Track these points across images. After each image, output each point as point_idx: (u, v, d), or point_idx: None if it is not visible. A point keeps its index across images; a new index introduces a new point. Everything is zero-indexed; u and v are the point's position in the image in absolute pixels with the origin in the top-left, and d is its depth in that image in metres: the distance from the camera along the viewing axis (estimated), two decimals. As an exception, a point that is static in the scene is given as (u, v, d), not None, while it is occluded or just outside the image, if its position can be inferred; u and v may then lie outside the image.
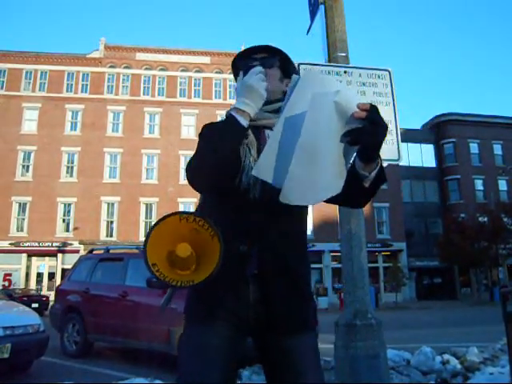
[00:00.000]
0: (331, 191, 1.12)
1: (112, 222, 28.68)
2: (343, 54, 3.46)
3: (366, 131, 1.07)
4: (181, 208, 28.96)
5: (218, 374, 1.25)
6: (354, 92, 1.11)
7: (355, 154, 1.17)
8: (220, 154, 1.23)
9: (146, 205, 29.08)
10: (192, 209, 29.67)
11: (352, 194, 1.25)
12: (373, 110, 1.07)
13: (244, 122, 1.25)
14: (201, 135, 1.33)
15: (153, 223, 1.18)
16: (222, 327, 1.29)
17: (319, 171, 1.11)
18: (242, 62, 1.46)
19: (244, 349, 1.37)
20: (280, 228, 1.32)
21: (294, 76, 1.18)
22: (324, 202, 1.29)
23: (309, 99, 1.12)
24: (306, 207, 1.44)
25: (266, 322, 1.30)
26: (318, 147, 1.10)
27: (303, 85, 1.14)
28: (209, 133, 1.29)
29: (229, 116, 1.27)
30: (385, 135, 1.12)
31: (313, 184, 1.11)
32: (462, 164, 34.69)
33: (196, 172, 1.28)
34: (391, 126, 3.28)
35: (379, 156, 1.19)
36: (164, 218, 1.16)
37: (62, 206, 28.39)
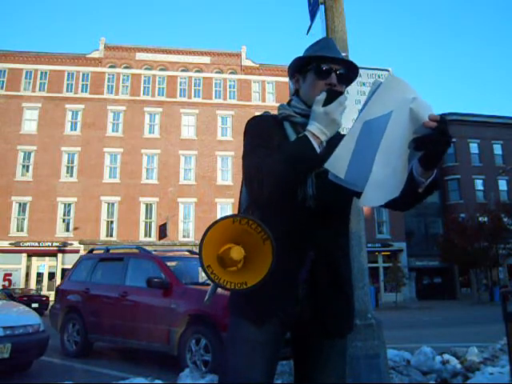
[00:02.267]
0: (395, 193, 1.16)
1: (112, 222, 28.67)
2: (343, 54, 3.45)
3: (433, 139, 1.11)
4: (180, 208, 28.98)
5: (263, 371, 1.31)
6: (427, 102, 1.13)
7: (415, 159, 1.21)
8: (293, 175, 1.27)
9: (146, 205, 29.07)
10: (192, 209, 29.68)
11: (404, 198, 1.25)
12: (442, 121, 1.12)
13: (319, 150, 1.28)
14: (254, 134, 1.38)
15: (208, 224, 1.20)
16: (269, 325, 1.33)
17: (392, 173, 1.15)
18: (317, 66, 1.41)
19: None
20: (332, 235, 1.38)
21: (376, 80, 1.21)
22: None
23: (389, 104, 1.16)
24: (349, 216, 1.50)
25: (311, 321, 1.35)
26: (395, 151, 1.15)
27: (384, 90, 1.18)
28: (284, 151, 1.29)
29: (304, 138, 1.28)
30: (448, 147, 1.16)
31: (386, 186, 1.16)
32: (462, 164, 34.69)
33: (263, 186, 1.26)
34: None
35: (436, 167, 1.23)
36: (218, 220, 1.19)
37: (62, 206, 28.39)
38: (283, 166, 1.26)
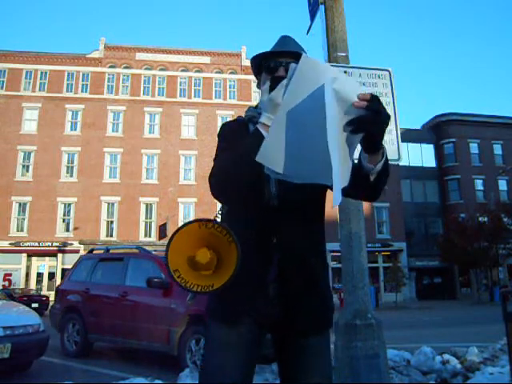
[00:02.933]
0: (342, 182, 1.10)
1: (112, 222, 28.67)
2: (343, 54, 3.45)
3: (367, 120, 1.06)
4: (180, 208, 28.98)
5: (239, 371, 1.31)
6: (352, 80, 1.06)
7: (359, 145, 1.16)
8: (250, 171, 1.24)
9: (146, 205, 29.07)
10: (192, 209, 29.70)
11: (358, 188, 1.25)
12: (373, 100, 1.07)
13: None
14: (221, 138, 1.41)
15: (173, 231, 1.23)
16: (243, 325, 1.33)
17: (341, 162, 1.09)
18: (266, 64, 1.44)
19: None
20: (300, 233, 1.37)
21: (292, 65, 1.16)
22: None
23: (309, 87, 1.10)
24: (323, 209, 1.49)
25: (284, 320, 1.34)
26: (324, 135, 1.07)
27: (301, 73, 1.11)
28: (238, 149, 1.29)
29: (255, 131, 1.28)
30: (387, 124, 1.11)
31: (324, 170, 1.08)
32: (462, 164, 34.69)
33: (222, 186, 1.30)
34: (391, 126, 3.29)
35: (383, 148, 1.19)
36: (184, 225, 1.21)
37: (62, 206, 28.39)
38: (235, 164, 1.27)
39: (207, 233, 1.21)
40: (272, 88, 1.28)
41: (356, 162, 1.23)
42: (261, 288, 1.32)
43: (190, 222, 1.22)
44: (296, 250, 1.35)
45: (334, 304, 1.50)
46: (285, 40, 1.49)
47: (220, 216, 1.46)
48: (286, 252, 1.33)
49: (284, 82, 1.23)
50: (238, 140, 1.36)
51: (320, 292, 1.39)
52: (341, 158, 1.08)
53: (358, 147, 1.18)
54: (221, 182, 1.30)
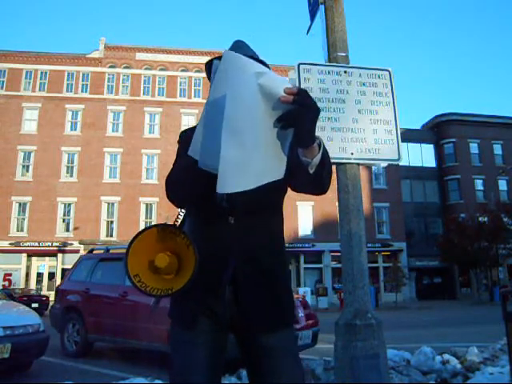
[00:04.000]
0: (272, 176, 1.11)
1: (112, 222, 28.68)
2: (343, 54, 3.45)
3: (294, 115, 1.05)
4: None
5: (204, 371, 1.32)
6: (280, 76, 1.06)
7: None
8: (197, 176, 1.24)
9: (146, 205, 29.08)
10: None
11: (300, 181, 1.27)
12: (301, 93, 1.05)
13: None
14: (179, 145, 1.44)
15: (134, 235, 1.26)
16: (203, 326, 1.35)
17: (255, 155, 1.08)
18: (214, 68, 1.42)
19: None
20: (255, 234, 1.37)
21: (215, 62, 1.17)
22: (292, 189, 1.35)
23: (232, 82, 1.10)
24: (280, 207, 1.47)
25: (240, 320, 1.35)
26: (248, 130, 1.07)
27: (224, 68, 1.11)
28: (181, 155, 1.34)
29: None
30: (316, 118, 1.09)
31: (249, 168, 1.09)
32: (462, 164, 34.69)
33: (172, 193, 1.35)
34: (391, 126, 3.29)
35: (319, 139, 1.17)
36: (142, 231, 1.25)
37: (62, 206, 28.39)
38: (184, 169, 1.31)
39: (167, 237, 1.24)
40: None
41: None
42: (216, 290, 1.33)
43: (148, 227, 1.25)
44: (251, 251, 1.35)
45: (294, 302, 1.47)
46: (237, 44, 1.48)
47: (180, 220, 1.49)
48: (241, 253, 1.34)
49: None
50: None
51: (276, 292, 1.38)
52: (270, 152, 1.10)
53: None
54: (172, 185, 1.34)
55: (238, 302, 1.34)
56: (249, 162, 1.08)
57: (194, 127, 1.49)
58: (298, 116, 1.05)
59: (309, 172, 1.20)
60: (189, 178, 1.29)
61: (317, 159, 1.18)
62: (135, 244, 1.22)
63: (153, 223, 28.96)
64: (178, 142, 1.49)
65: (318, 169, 1.20)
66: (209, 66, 1.48)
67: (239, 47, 1.45)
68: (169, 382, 1.40)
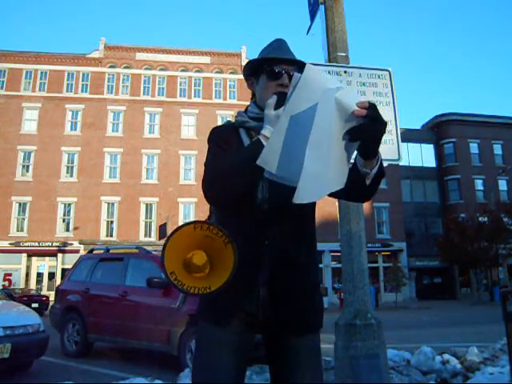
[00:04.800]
0: (335, 186, 1.15)
1: (112, 222, 28.67)
2: (343, 54, 3.45)
3: (365, 128, 1.10)
4: (180, 208, 28.98)
5: (231, 371, 1.33)
6: (353, 90, 1.14)
7: (356, 151, 1.21)
8: (248, 179, 1.29)
9: (146, 205, 29.07)
10: (192, 209, 29.69)
11: (354, 191, 1.30)
12: (372, 108, 1.10)
13: None
14: (214, 143, 1.42)
15: (169, 232, 1.25)
16: (233, 326, 1.35)
17: (326, 167, 1.13)
18: (269, 68, 1.44)
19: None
20: (291, 236, 1.39)
21: (296, 74, 1.19)
22: (328, 195, 1.35)
23: (312, 95, 1.15)
24: (313, 210, 1.51)
25: (274, 321, 1.36)
26: (325, 143, 1.12)
27: (305, 82, 1.16)
28: (234, 157, 1.32)
29: (256, 142, 1.31)
30: (384, 131, 1.15)
31: (323, 179, 1.14)
32: (462, 164, 34.69)
33: (216, 191, 1.32)
34: (391, 126, 3.28)
35: (379, 153, 1.23)
36: (180, 227, 1.22)
37: (62, 206, 28.39)
38: (234, 170, 1.30)
39: (202, 235, 1.22)
40: (279, 103, 1.30)
41: (351, 166, 1.26)
42: (251, 290, 1.34)
43: (185, 224, 1.22)
44: (287, 253, 1.37)
45: (324, 304, 1.52)
46: (282, 45, 1.49)
47: (210, 219, 1.48)
48: (277, 254, 1.35)
49: None
50: (231, 145, 1.39)
51: (310, 294, 1.41)
52: (338, 164, 1.14)
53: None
54: (221, 186, 1.30)
55: (275, 303, 1.34)
56: (324, 173, 1.13)
57: (225, 124, 1.52)
58: (368, 129, 1.10)
59: (364, 182, 1.25)
60: (242, 179, 1.30)
61: (375, 170, 1.24)
62: (172, 240, 1.20)
63: (153, 223, 29.05)
64: (211, 140, 1.46)
65: (373, 180, 1.26)
66: (253, 64, 1.49)
67: (284, 50, 1.47)
68: (192, 381, 1.40)
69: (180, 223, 28.94)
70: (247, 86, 1.56)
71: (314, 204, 1.48)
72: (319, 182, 1.14)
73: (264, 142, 1.27)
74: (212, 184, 1.32)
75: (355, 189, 1.28)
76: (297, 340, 1.37)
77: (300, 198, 1.14)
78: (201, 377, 1.35)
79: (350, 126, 1.11)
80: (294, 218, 1.40)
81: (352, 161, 1.23)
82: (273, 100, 1.33)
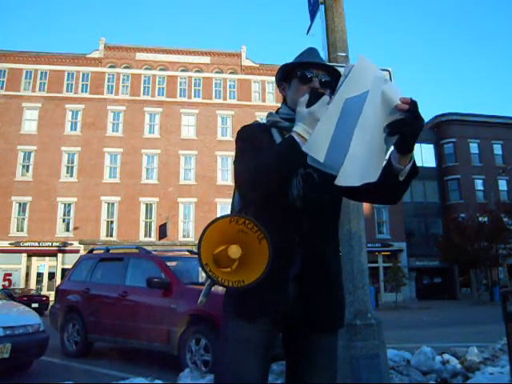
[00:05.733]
0: (370, 178, 1.17)
1: (112, 222, 28.67)
2: (343, 54, 3.45)
3: (407, 122, 1.15)
4: (180, 208, 28.99)
5: (256, 368, 1.34)
6: (395, 86, 1.16)
7: (392, 147, 1.24)
8: (281, 175, 1.32)
9: (146, 205, 29.07)
10: (192, 209, 29.67)
11: (385, 188, 1.32)
12: (414, 104, 1.15)
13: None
14: (244, 141, 1.44)
15: (207, 223, 1.23)
16: (261, 323, 1.36)
17: (368, 154, 1.17)
18: (301, 72, 1.47)
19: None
20: (321, 233, 1.42)
21: (349, 64, 1.23)
22: (355, 200, 1.47)
23: (363, 85, 1.18)
24: (340, 210, 1.54)
25: (302, 319, 1.37)
26: (369, 131, 1.16)
27: (358, 71, 1.20)
28: (269, 154, 1.34)
29: (290, 138, 1.32)
30: (422, 127, 1.19)
31: (363, 165, 1.17)
32: (462, 164, 34.68)
33: (252, 188, 1.34)
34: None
35: (413, 150, 1.26)
36: (216, 219, 1.22)
37: (62, 205, 28.39)
38: (270, 166, 1.31)
39: (235, 229, 1.22)
40: (311, 101, 1.31)
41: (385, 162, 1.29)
42: (281, 287, 1.35)
43: (221, 217, 1.22)
44: (317, 250, 1.40)
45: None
46: (313, 52, 1.53)
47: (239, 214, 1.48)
48: (308, 251, 1.38)
49: (324, 98, 1.30)
50: (262, 143, 1.42)
51: (336, 292, 1.44)
52: (375, 155, 1.17)
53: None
54: (255, 181, 1.32)
55: (304, 300, 1.36)
56: (366, 160, 1.16)
57: (255, 124, 1.55)
58: (408, 124, 1.15)
59: (397, 179, 1.28)
60: (277, 175, 1.32)
61: (409, 167, 1.27)
62: (208, 233, 1.20)
63: (153, 223, 29.04)
64: (242, 138, 1.48)
65: (406, 178, 1.29)
66: (286, 68, 1.52)
67: (313, 55, 1.51)
68: (220, 381, 1.40)
69: (180, 223, 29.03)
70: (279, 90, 1.60)
71: (340, 205, 1.52)
72: (362, 166, 1.16)
73: (297, 139, 1.29)
74: (246, 180, 1.34)
75: (387, 185, 1.30)
76: (318, 338, 1.40)
77: (343, 180, 1.16)
78: (227, 376, 1.35)
79: (392, 119, 1.15)
80: (324, 216, 1.43)
81: (387, 157, 1.26)
82: (305, 98, 1.34)
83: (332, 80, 1.46)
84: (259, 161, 1.33)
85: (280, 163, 1.31)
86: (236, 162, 1.42)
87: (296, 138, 1.30)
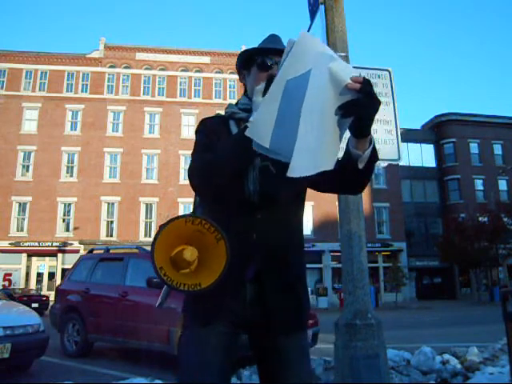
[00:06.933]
0: (326, 165, 1.06)
1: (112, 222, 28.67)
2: (343, 54, 3.45)
3: (360, 103, 1.03)
4: (181, 208, 28.97)
5: (216, 372, 1.29)
6: (347, 64, 1.03)
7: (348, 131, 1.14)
8: (235, 167, 1.26)
9: (146, 205, 29.08)
10: (192, 209, 29.61)
11: (347, 177, 1.24)
12: (366, 83, 1.04)
13: None
14: (201, 134, 1.39)
15: (159, 226, 1.21)
16: (219, 326, 1.31)
17: (318, 141, 1.06)
18: (260, 60, 1.42)
19: (243, 348, 1.40)
20: (281, 231, 1.34)
21: (290, 40, 1.12)
22: (319, 191, 1.33)
23: (306, 62, 1.08)
24: (303, 206, 1.46)
25: (261, 321, 1.32)
26: (317, 115, 1.05)
27: (300, 48, 1.09)
28: (222, 145, 1.29)
29: (244, 129, 1.24)
30: (377, 109, 1.08)
31: (314, 154, 1.06)
32: (462, 164, 34.68)
33: (203, 180, 1.29)
34: (391, 126, 3.29)
35: (371, 135, 1.17)
36: (171, 220, 1.16)
37: (62, 205, 28.38)
38: (221, 158, 1.26)
39: (192, 229, 1.16)
40: (266, 88, 1.24)
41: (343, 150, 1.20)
42: (238, 288, 1.30)
43: (176, 218, 1.17)
44: (276, 248, 1.32)
45: (310, 303, 1.48)
46: (275, 39, 1.47)
47: (194, 212, 1.43)
48: (266, 250, 1.31)
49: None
50: (220, 136, 1.36)
51: (297, 293, 1.37)
52: (328, 140, 1.06)
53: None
54: (207, 174, 1.28)
55: (262, 301, 1.31)
56: (316, 147, 1.06)
57: (215, 116, 1.49)
58: (362, 105, 1.04)
59: (357, 166, 1.17)
60: (231, 167, 1.26)
61: (368, 152, 1.16)
62: (162, 234, 1.15)
63: (153, 223, 29.02)
64: (200, 131, 1.43)
65: (367, 164, 1.18)
66: (244, 55, 1.46)
67: (273, 42, 1.44)
68: (177, 382, 1.36)
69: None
70: (239, 79, 1.53)
71: (303, 200, 1.45)
72: (314, 154, 1.06)
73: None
74: (198, 172, 1.29)
75: (348, 174, 1.21)
76: (284, 340, 1.33)
77: (295, 171, 1.06)
78: (185, 377, 1.32)
79: (343, 100, 1.04)
80: (284, 212, 1.35)
81: (344, 142, 1.16)
82: (261, 86, 1.29)
83: None
84: (210, 154, 1.29)
85: (232, 155, 1.25)
86: (192, 157, 1.37)
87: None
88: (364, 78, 1.04)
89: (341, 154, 1.17)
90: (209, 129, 1.42)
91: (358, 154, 1.16)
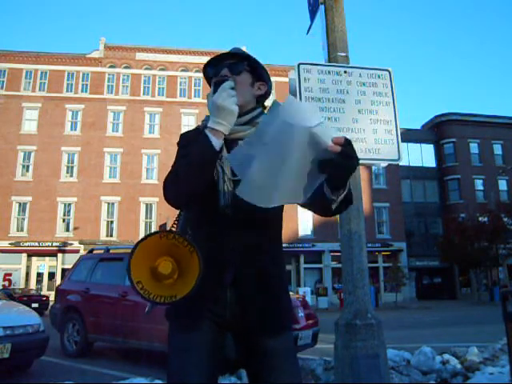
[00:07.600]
0: (296, 199, 1.18)
1: (112, 222, 28.67)
2: (343, 54, 3.45)
3: (336, 164, 1.10)
4: (181, 208, 28.96)
5: (201, 373, 1.33)
6: (329, 127, 1.08)
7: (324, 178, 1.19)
8: (198, 177, 1.31)
9: (146, 205, 29.08)
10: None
11: (319, 209, 1.33)
12: (346, 144, 1.09)
13: (217, 143, 1.31)
14: (180, 147, 1.45)
15: (137, 241, 1.25)
16: (203, 327, 1.36)
17: (279, 181, 1.15)
18: (213, 70, 1.49)
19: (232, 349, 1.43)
20: (255, 240, 1.39)
21: (275, 101, 1.15)
22: (300, 206, 1.38)
23: (287, 127, 1.11)
24: (280, 216, 1.50)
25: (242, 322, 1.36)
26: (296, 167, 1.13)
27: (282, 111, 1.11)
28: (188, 154, 1.33)
29: (203, 136, 1.31)
30: (355, 168, 1.14)
31: (271, 189, 1.16)
32: (461, 164, 34.68)
33: (171, 192, 1.35)
34: (391, 126, 3.28)
35: (348, 184, 1.22)
36: (146, 237, 1.23)
37: (62, 205, 28.38)
38: (186, 169, 1.31)
39: (168, 243, 1.23)
40: (215, 92, 1.33)
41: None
42: (217, 292, 1.35)
43: (151, 234, 1.23)
44: (252, 257, 1.37)
45: (292, 306, 1.53)
46: (235, 49, 1.53)
47: (177, 224, 1.47)
48: (242, 257, 1.36)
49: (224, 84, 1.31)
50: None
51: (275, 293, 1.40)
52: (302, 183, 1.15)
53: None
54: (175, 186, 1.33)
55: (241, 304, 1.35)
56: (292, 187, 1.15)
57: (195, 129, 1.53)
58: (339, 165, 1.10)
59: (330, 206, 1.24)
60: (195, 177, 1.30)
61: (341, 198, 1.22)
62: (138, 250, 1.21)
63: (153, 223, 29.03)
64: (178, 143, 1.49)
65: (339, 206, 1.25)
66: (205, 72, 1.53)
67: (238, 50, 1.50)
68: (167, 382, 1.40)
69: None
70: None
71: (280, 211, 1.48)
72: (288, 191, 1.16)
73: (208, 133, 1.29)
74: (167, 185, 1.34)
75: (320, 209, 1.31)
76: (267, 341, 1.36)
77: (265, 201, 1.18)
78: (173, 378, 1.36)
79: (321, 158, 1.11)
80: (258, 224, 1.39)
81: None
82: (211, 90, 1.37)
83: (239, 61, 1.46)
84: (180, 164, 1.34)
85: (194, 163, 1.29)
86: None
87: (208, 133, 1.30)
88: (345, 138, 1.10)
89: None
90: (186, 141, 1.46)
91: (332, 200, 1.22)
